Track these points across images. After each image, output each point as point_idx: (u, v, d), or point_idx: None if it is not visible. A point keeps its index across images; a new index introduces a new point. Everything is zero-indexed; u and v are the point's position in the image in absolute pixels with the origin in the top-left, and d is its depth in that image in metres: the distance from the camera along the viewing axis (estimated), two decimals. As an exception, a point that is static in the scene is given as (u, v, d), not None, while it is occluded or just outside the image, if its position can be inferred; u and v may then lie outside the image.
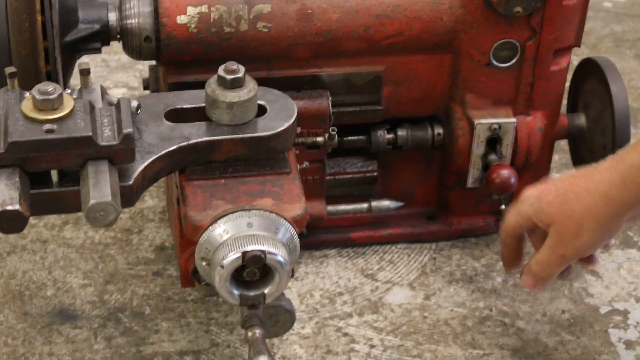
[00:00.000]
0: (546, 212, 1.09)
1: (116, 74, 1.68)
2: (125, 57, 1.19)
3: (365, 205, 1.32)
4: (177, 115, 1.10)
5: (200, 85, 1.11)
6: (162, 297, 1.27)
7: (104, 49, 1.20)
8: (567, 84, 1.33)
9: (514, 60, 1.23)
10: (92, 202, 0.96)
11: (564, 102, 1.35)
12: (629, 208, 1.04)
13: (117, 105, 1.04)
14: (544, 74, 1.24)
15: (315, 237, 1.34)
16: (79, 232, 1.36)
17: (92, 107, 1.03)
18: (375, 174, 1.31)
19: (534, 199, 1.10)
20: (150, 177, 1.05)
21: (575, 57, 1.37)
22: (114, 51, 1.53)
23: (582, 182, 1.06)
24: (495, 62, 1.23)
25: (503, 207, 1.33)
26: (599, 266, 1.32)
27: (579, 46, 1.26)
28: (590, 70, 1.32)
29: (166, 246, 1.35)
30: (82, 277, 1.30)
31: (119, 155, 1.00)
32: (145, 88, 1.31)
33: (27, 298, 1.27)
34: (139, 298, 1.27)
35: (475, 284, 1.30)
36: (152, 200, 1.42)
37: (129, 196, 1.02)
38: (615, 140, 1.27)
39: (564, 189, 1.07)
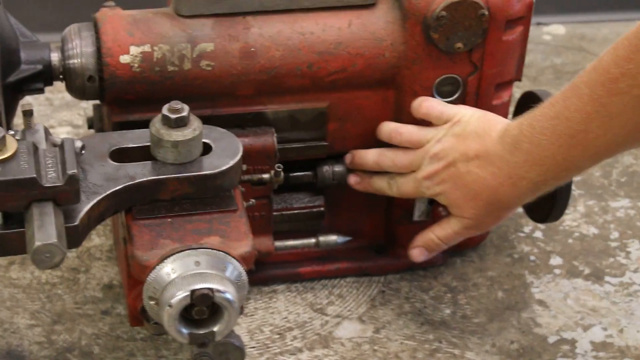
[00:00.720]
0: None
1: (60, 112, 1.67)
2: (69, 96, 1.19)
3: (313, 240, 1.32)
4: (122, 155, 1.10)
5: (145, 124, 1.11)
6: (111, 336, 1.27)
7: (48, 87, 1.19)
8: (510, 116, 1.35)
9: (456, 95, 1.24)
10: (37, 244, 0.96)
11: (507, 134, 1.36)
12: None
13: (61, 146, 1.03)
14: (487, 108, 1.25)
15: (263, 272, 1.34)
16: (25, 272, 1.35)
17: (35, 148, 1.02)
18: (322, 209, 1.32)
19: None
20: (96, 217, 1.05)
21: (517, 90, 1.39)
22: (58, 89, 1.52)
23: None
24: (438, 97, 1.24)
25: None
26: (546, 295, 1.33)
27: (520, 80, 1.28)
28: (532, 103, 1.34)
29: (114, 284, 1.34)
30: (29, 318, 1.29)
31: (64, 197, 1.00)
32: (89, 127, 1.30)
33: (-27, 341, 1.26)
34: (88, 337, 1.26)
35: (424, 316, 1.31)
36: (99, 238, 1.41)
37: (74, 237, 1.02)
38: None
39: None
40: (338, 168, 1.29)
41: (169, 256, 1.03)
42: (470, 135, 1.16)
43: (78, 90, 1.18)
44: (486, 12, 1.19)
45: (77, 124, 1.64)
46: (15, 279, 1.35)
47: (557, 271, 1.38)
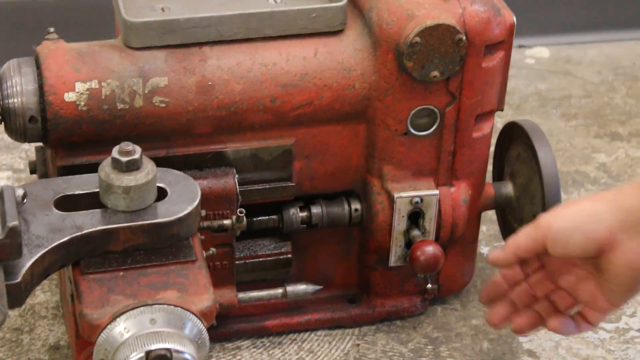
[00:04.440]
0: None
1: None
2: (9, 137, 1.18)
3: (280, 291, 1.31)
4: (68, 203, 1.09)
5: (93, 168, 1.10)
6: (59, 403, 1.26)
7: (-15, 129, 1.19)
8: (492, 149, 1.35)
9: (433, 128, 1.25)
10: (-25, 305, 0.95)
11: (489, 169, 1.37)
12: None
13: (0, 196, 1.03)
14: (466, 142, 1.26)
15: (226, 327, 1.33)
16: (-38, 334, 1.34)
17: (-28, 198, 1.02)
18: (289, 256, 1.31)
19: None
20: (40, 272, 1.04)
21: (499, 119, 1.40)
22: (-3, 130, 1.52)
23: None
24: (413, 131, 1.24)
25: (429, 285, 1.34)
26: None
27: (501, 110, 1.29)
28: (515, 135, 1.35)
29: (61, 345, 1.33)
30: (-33, 385, 1.28)
31: (4, 251, 0.99)
32: (32, 172, 1.30)
33: None
34: (33, 405, 1.25)
35: (403, 371, 1.31)
36: (44, 294, 1.40)
37: (16, 295, 1.01)
38: (545, 208, 1.29)
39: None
40: (306, 211, 1.29)
41: (121, 314, 1.02)
42: None
43: (19, 132, 1.18)
44: (463, 37, 1.19)
45: (19, 167, 1.63)
46: (-49, 340, 1.33)
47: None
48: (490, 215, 1.47)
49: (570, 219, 1.07)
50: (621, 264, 1.06)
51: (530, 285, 1.15)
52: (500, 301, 1.16)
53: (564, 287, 1.14)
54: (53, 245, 1.04)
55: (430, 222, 1.27)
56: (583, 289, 1.12)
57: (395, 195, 1.26)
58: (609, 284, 1.09)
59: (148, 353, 1.00)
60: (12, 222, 0.99)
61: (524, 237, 1.10)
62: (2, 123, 1.18)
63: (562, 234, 1.07)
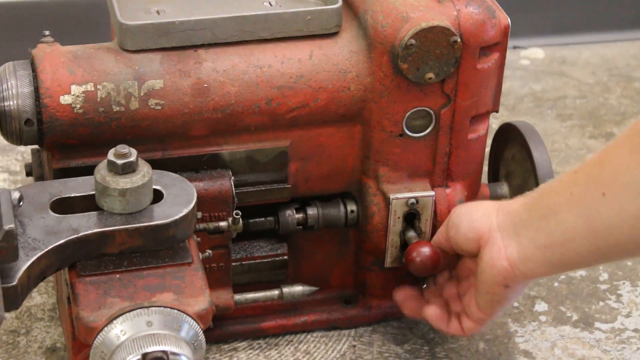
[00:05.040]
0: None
1: (-5, 157, 1.66)
2: (4, 140, 1.18)
3: (276, 292, 1.31)
4: (64, 206, 1.09)
5: (89, 170, 1.11)
6: (56, 406, 1.26)
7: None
8: (487, 150, 1.35)
9: (428, 130, 1.25)
10: (-29, 307, 0.95)
11: (485, 170, 1.37)
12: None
13: (-4, 198, 1.03)
14: (462, 143, 1.26)
15: (222, 329, 1.33)
16: (-41, 337, 1.34)
17: (-32, 201, 1.02)
18: (285, 257, 1.31)
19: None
20: (36, 275, 1.04)
21: (495, 120, 1.40)
22: (-7, 133, 1.52)
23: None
24: (408, 132, 1.24)
25: (425, 286, 1.34)
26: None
27: (497, 111, 1.29)
28: (511, 136, 1.35)
29: (58, 347, 1.33)
30: (-36, 388, 1.28)
31: (0, 254, 0.99)
32: (28, 174, 1.30)
33: None
34: (30, 408, 1.25)
35: (399, 372, 1.31)
36: (40, 296, 1.40)
37: (13, 298, 1.01)
38: (540, 210, 1.29)
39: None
40: (301, 213, 1.29)
41: (118, 316, 1.03)
42: None
43: (14, 135, 1.18)
44: (458, 39, 1.19)
45: (15, 170, 1.63)
46: (-52, 343, 1.33)
47: (542, 318, 1.39)
48: (485, 216, 1.47)
49: (467, 210, 1.19)
50: (486, 259, 1.14)
51: (440, 286, 1.26)
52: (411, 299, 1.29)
53: (460, 292, 1.23)
54: (49, 248, 1.04)
55: (426, 224, 1.27)
56: (467, 295, 1.20)
57: (391, 196, 1.26)
58: (477, 285, 1.17)
59: (145, 355, 1.00)
60: (8, 225, 0.99)
61: (440, 232, 1.23)
62: (-2, 126, 1.18)
63: (457, 219, 1.19)
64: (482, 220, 1.15)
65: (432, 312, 1.24)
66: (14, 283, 1.01)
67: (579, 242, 1.06)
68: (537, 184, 1.29)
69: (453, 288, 1.24)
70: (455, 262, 1.24)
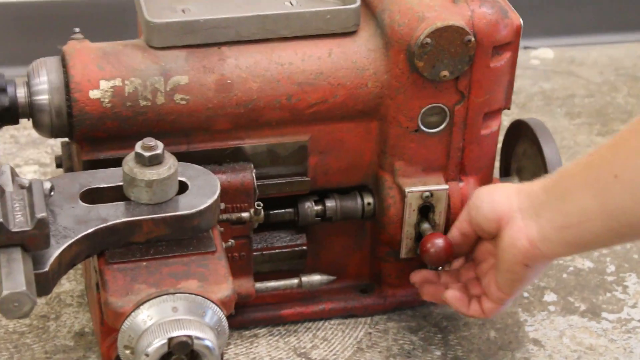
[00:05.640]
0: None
1: (26, 150, 1.66)
2: (35, 133, 1.19)
3: (295, 281, 1.31)
4: (93, 196, 1.09)
5: (117, 162, 1.11)
6: (83, 388, 1.26)
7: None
8: (499, 146, 1.35)
9: (443, 126, 1.25)
10: (5, 292, 0.95)
11: (497, 165, 1.37)
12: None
13: (29, 188, 1.03)
14: (475, 139, 1.26)
15: (244, 316, 1.33)
16: (-9, 322, 1.35)
17: (2, 191, 1.02)
18: (304, 247, 1.31)
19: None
20: (67, 262, 1.04)
21: (506, 118, 1.40)
22: (24, 126, 1.52)
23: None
24: (423, 128, 1.24)
25: (440, 269, 1.34)
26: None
27: (508, 108, 1.29)
28: (522, 133, 1.35)
29: (86, 332, 1.33)
30: (-4, 370, 1.28)
31: (33, 242, 0.99)
32: (58, 166, 1.30)
33: (-63, 395, 1.24)
34: (58, 390, 1.26)
35: (413, 358, 1.31)
36: (69, 283, 1.40)
37: (44, 284, 1.01)
38: (550, 203, 1.29)
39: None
40: (320, 205, 1.29)
41: (144, 302, 1.03)
42: None
43: (45, 128, 1.18)
44: (472, 39, 1.19)
45: (45, 162, 1.64)
46: (-19, 328, 1.34)
47: (551, 308, 1.38)
48: (497, 209, 1.47)
49: (488, 191, 1.18)
50: (507, 239, 1.13)
51: (458, 270, 1.25)
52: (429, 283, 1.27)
53: (478, 275, 1.22)
54: (79, 236, 1.04)
55: (440, 216, 1.27)
56: (486, 277, 1.19)
57: (406, 189, 1.26)
58: (498, 265, 1.16)
59: (170, 340, 1.00)
60: (41, 214, 0.99)
61: (464, 210, 1.22)
62: (30, 119, 1.18)
63: (478, 200, 1.18)
64: (503, 201, 1.15)
65: (453, 295, 1.23)
66: (46, 269, 1.01)
67: (594, 222, 1.06)
68: (547, 179, 1.29)
69: (471, 271, 1.24)
70: (473, 246, 1.23)
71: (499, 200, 1.16)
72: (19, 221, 0.99)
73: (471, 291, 1.23)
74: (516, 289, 1.17)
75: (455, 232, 1.23)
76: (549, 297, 1.40)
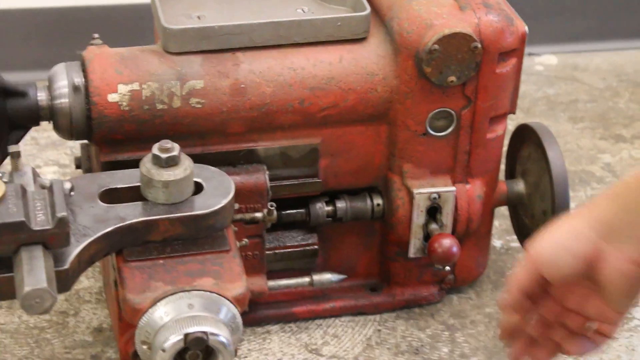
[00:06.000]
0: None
1: (46, 151, 1.67)
2: (55, 135, 1.19)
3: (306, 279, 1.32)
4: (111, 196, 1.10)
5: (135, 163, 1.11)
6: (101, 382, 1.26)
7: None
8: (505, 149, 1.35)
9: (450, 129, 1.25)
10: (27, 289, 0.95)
11: (502, 168, 1.37)
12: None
13: (50, 188, 1.03)
14: (481, 142, 1.26)
15: (256, 313, 1.33)
16: (12, 317, 1.35)
17: (24, 191, 1.02)
18: (315, 247, 1.32)
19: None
20: (86, 260, 1.05)
21: (511, 122, 1.40)
22: (44, 128, 1.52)
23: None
24: (431, 132, 1.24)
25: (451, 276, 1.35)
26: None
27: (514, 113, 1.29)
28: (527, 136, 1.35)
29: (104, 328, 1.33)
30: (17, 364, 1.29)
31: (54, 240, 1.00)
32: (77, 167, 1.30)
33: (-41, 389, 1.25)
34: (77, 384, 1.26)
35: (421, 355, 1.31)
36: (87, 280, 1.41)
37: (65, 281, 1.01)
38: (554, 205, 1.29)
39: None
40: (331, 205, 1.29)
41: (161, 299, 1.03)
42: None
43: (66, 130, 1.19)
44: (479, 45, 1.19)
45: (65, 163, 1.64)
46: (2, 323, 1.34)
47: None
48: (502, 210, 1.47)
49: (556, 243, 1.03)
50: (611, 272, 1.02)
51: (542, 315, 1.09)
52: (518, 337, 1.10)
53: (571, 308, 1.08)
54: (98, 234, 1.05)
55: (447, 217, 1.28)
56: (590, 306, 1.07)
57: (415, 191, 1.26)
58: (609, 294, 1.04)
59: (186, 335, 1.00)
60: (61, 213, 0.99)
61: (522, 273, 1.05)
62: (51, 121, 1.19)
63: (552, 259, 1.03)
64: (580, 243, 1.01)
65: (575, 345, 1.08)
66: (66, 267, 1.01)
67: None
68: (551, 182, 1.29)
69: (555, 308, 1.10)
70: (538, 297, 1.08)
71: (573, 244, 1.02)
72: (40, 220, 1.00)
73: (570, 326, 1.09)
74: (633, 301, 1.05)
75: (515, 294, 1.06)
76: (553, 296, 1.40)
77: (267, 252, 1.28)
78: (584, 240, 1.01)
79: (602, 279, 1.03)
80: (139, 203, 1.08)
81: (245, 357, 1.30)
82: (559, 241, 1.03)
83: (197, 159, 1.13)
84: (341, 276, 1.33)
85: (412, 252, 1.30)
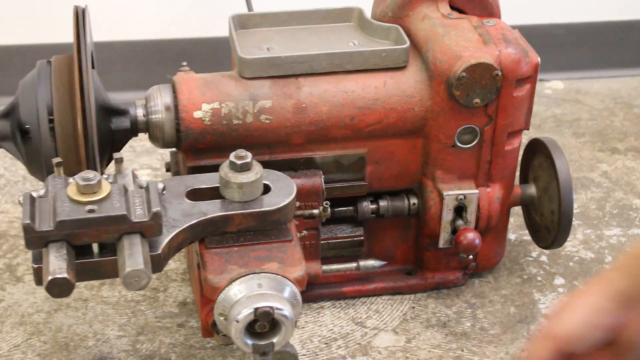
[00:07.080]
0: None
1: (141, 157, 1.68)
2: (149, 143, 1.20)
3: (354, 265, 1.32)
4: (196, 194, 1.10)
5: (215, 168, 1.12)
6: (186, 345, 1.27)
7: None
8: (519, 159, 1.34)
9: (474, 142, 1.24)
10: (127, 269, 0.96)
11: (517, 174, 1.36)
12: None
13: (147, 188, 1.04)
14: (500, 153, 1.25)
15: (312, 292, 1.33)
16: (114, 291, 1.36)
17: (125, 190, 1.03)
18: (361, 238, 1.31)
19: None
20: (175, 247, 1.05)
21: (525, 137, 1.39)
22: (139, 138, 1.54)
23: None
24: (459, 144, 1.24)
25: (473, 263, 1.34)
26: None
27: (527, 129, 1.28)
28: (538, 148, 1.34)
29: (188, 302, 1.34)
30: (117, 330, 1.29)
31: (149, 230, 1.01)
32: (167, 170, 1.31)
33: (72, 348, 1.26)
34: (166, 346, 1.27)
35: (448, 328, 1.30)
36: (174, 263, 1.42)
37: (157, 264, 1.02)
38: (561, 206, 1.28)
39: None
40: (375, 204, 1.29)
41: (236, 279, 1.04)
42: None
43: (159, 140, 1.20)
44: (500, 73, 1.19)
45: (156, 167, 1.65)
46: (106, 297, 1.35)
47: (560, 290, 1.37)
48: (517, 210, 1.46)
49: (578, 320, 0.92)
50: (637, 339, 0.92)
51: None
52: None
53: None
54: (185, 226, 1.05)
55: (471, 215, 1.27)
56: None
57: (444, 193, 1.26)
58: (633, 356, 0.94)
59: (256, 310, 1.01)
60: (156, 208, 1.00)
61: (544, 352, 0.92)
62: (147, 133, 1.20)
63: (577, 336, 0.92)
64: (603, 317, 0.92)
65: None
66: (159, 252, 1.02)
67: None
68: (558, 186, 1.28)
69: None
70: None
71: (598, 320, 0.92)
72: (138, 214, 1.01)
73: None
74: None
75: None
76: (558, 280, 1.39)
77: (322, 242, 1.28)
78: (606, 313, 0.92)
79: (628, 345, 0.93)
80: (218, 201, 1.09)
81: (303, 327, 1.30)
82: (582, 318, 0.92)
83: (265, 165, 1.13)
84: (382, 262, 1.32)
85: (441, 243, 1.30)
